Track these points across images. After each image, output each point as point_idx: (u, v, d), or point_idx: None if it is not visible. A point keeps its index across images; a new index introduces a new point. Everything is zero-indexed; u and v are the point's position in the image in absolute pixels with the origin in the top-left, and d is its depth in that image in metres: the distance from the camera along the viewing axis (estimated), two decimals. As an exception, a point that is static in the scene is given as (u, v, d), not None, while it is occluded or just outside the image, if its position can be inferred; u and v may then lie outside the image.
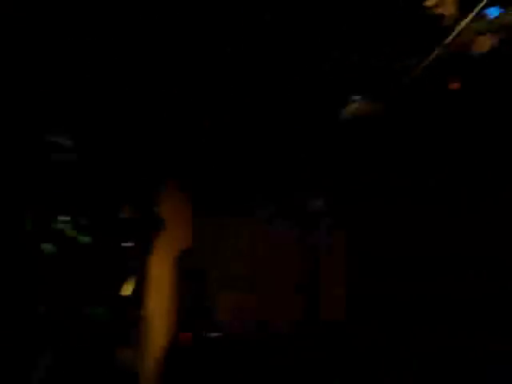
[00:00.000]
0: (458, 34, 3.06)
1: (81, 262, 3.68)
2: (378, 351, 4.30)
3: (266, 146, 4.45)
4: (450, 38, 3.09)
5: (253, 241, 4.66)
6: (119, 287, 3.85)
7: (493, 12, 3.01)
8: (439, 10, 2.99)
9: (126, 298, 3.90)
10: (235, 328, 4.28)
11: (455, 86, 3.48)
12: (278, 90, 3.87)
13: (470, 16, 2.96)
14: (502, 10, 3.00)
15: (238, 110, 4.17)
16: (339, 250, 4.61)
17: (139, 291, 4.14)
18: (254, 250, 4.64)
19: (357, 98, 3.80)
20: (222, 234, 4.71)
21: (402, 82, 3.45)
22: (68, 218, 3.61)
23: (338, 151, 4.31)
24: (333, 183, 4.48)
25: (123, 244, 3.71)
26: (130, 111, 4.11)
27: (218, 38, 3.51)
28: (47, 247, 3.57)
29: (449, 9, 3.01)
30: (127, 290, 3.90)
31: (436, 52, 3.22)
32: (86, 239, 3.45)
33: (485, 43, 3.10)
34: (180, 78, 3.75)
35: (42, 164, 3.54)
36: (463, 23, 3.01)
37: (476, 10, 2.92)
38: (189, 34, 3.40)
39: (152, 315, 4.13)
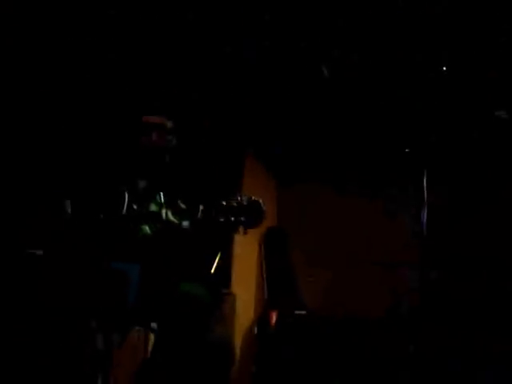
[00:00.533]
0: None
1: (175, 243, 3.77)
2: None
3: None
4: None
5: (342, 217, 4.61)
6: (209, 266, 3.96)
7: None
8: None
9: (215, 275, 4.01)
10: (320, 306, 4.34)
11: None
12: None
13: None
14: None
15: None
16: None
17: (226, 269, 4.24)
18: (343, 226, 4.59)
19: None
20: (307, 207, 4.66)
21: None
22: (163, 202, 3.67)
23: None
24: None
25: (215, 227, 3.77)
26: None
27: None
28: (144, 228, 3.66)
29: None
30: (215, 268, 4.01)
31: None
32: (185, 224, 3.51)
33: None
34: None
35: (141, 146, 3.59)
36: None
37: None
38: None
39: (239, 293, 4.24)
